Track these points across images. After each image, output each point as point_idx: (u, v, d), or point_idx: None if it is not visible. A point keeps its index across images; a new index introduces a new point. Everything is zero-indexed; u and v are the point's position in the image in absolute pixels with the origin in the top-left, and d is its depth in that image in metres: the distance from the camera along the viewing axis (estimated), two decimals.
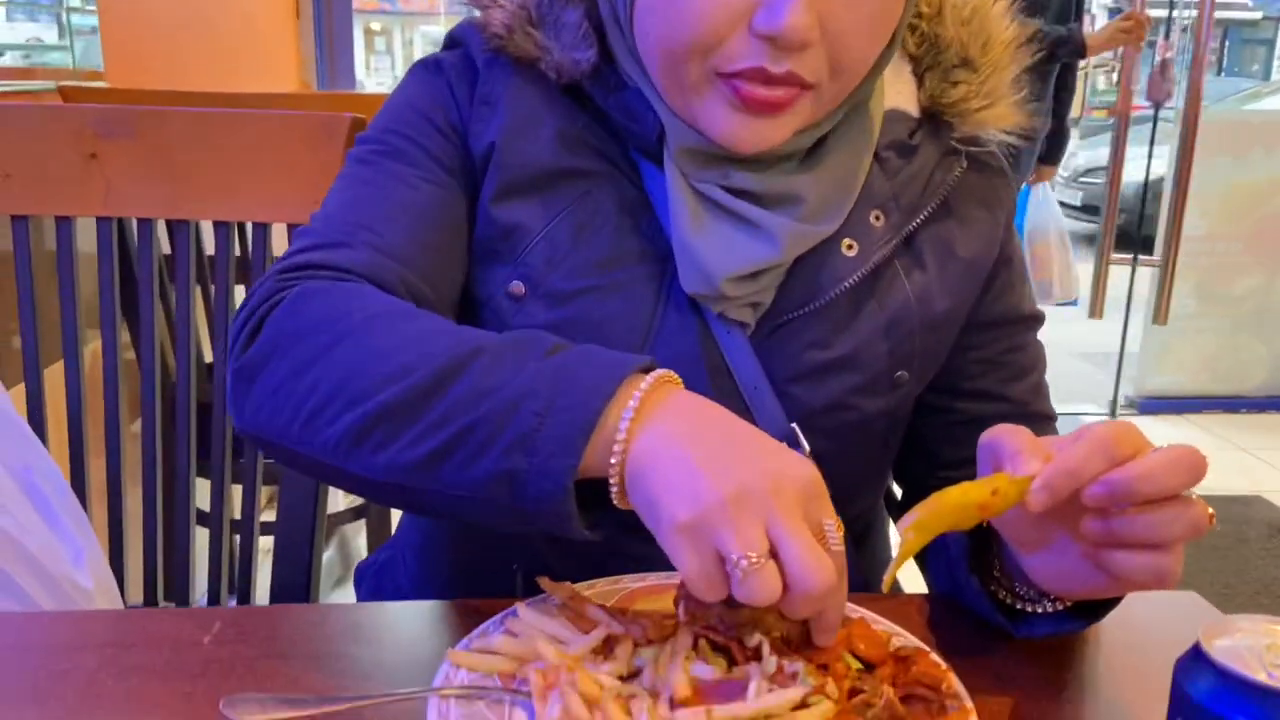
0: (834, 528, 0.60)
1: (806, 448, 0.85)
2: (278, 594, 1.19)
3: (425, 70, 0.88)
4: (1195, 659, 0.49)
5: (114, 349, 1.24)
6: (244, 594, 1.29)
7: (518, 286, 0.84)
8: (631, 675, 0.67)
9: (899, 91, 0.87)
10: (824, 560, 0.57)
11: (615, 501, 0.64)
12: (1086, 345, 4.88)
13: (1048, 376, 0.97)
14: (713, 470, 0.58)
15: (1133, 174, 7.33)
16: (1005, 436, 0.64)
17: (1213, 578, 2.82)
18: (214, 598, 1.30)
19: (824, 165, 0.83)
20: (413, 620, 0.80)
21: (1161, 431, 3.97)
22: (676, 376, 0.67)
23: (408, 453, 0.64)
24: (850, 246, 0.85)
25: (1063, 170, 8.21)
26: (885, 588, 0.65)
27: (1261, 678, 0.46)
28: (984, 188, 0.90)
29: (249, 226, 1.25)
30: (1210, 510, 0.62)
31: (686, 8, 0.73)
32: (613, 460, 0.61)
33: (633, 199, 0.85)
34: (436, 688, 0.66)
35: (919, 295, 0.87)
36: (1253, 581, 2.81)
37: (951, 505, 0.61)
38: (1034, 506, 0.60)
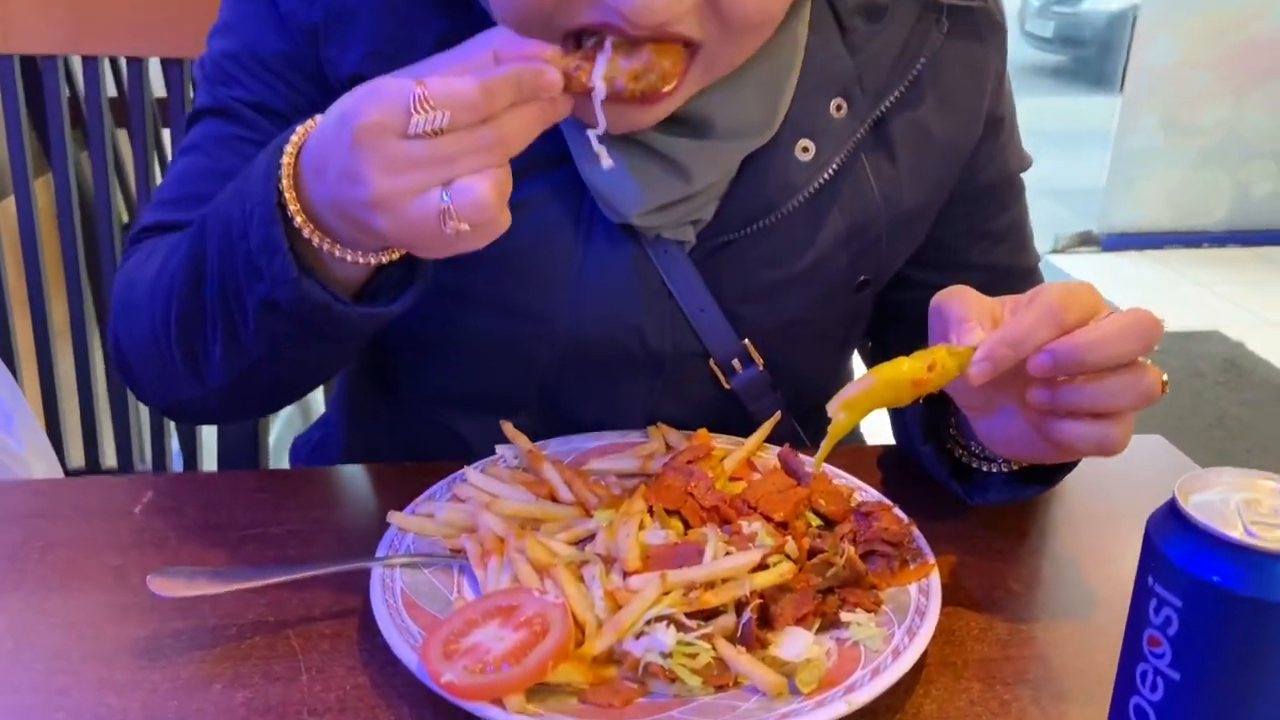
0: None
1: (759, 363, 0.79)
2: (226, 454, 1.16)
3: None
4: (1170, 515, 0.47)
5: (28, 201, 1.15)
6: (190, 455, 1.25)
7: None
8: (585, 539, 0.64)
9: None
10: (450, 146, 0.53)
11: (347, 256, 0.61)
12: (1054, 181, 4.85)
13: None
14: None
15: (1106, 2, 7.17)
16: (951, 303, 0.60)
17: (1168, 412, 2.88)
18: (159, 458, 1.27)
19: (741, 82, 0.69)
20: (357, 485, 0.77)
21: (1122, 268, 3.99)
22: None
23: (217, 343, 0.67)
24: (805, 149, 0.73)
25: None
26: (816, 467, 0.63)
27: (1239, 535, 0.44)
28: (967, 52, 0.77)
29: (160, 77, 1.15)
30: (1164, 377, 0.58)
31: None
32: (305, 233, 0.60)
33: None
34: (381, 558, 0.63)
35: (886, 194, 0.77)
36: (1206, 415, 2.87)
37: (884, 383, 0.57)
38: (975, 380, 0.56)
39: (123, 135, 1.65)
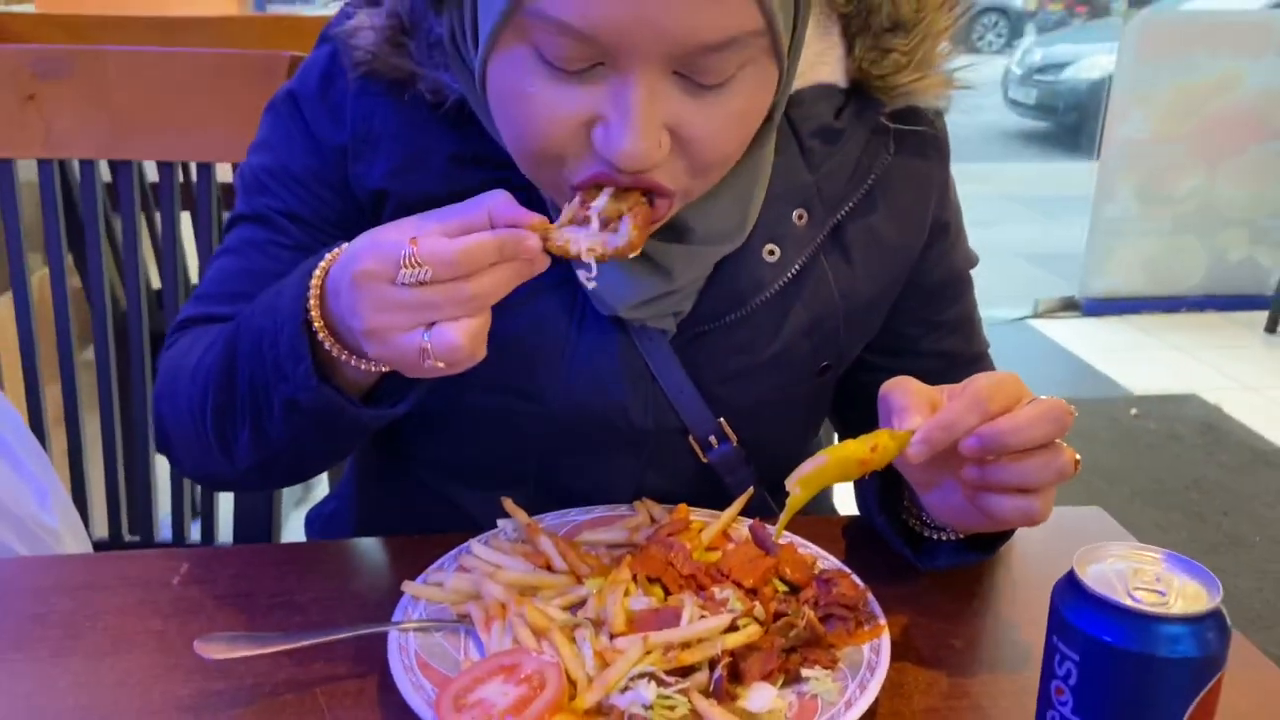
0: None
1: (734, 439, 0.88)
2: (240, 522, 1.24)
3: (279, 116, 0.86)
4: (1069, 583, 0.56)
5: (62, 278, 1.25)
6: (207, 523, 1.33)
7: None
8: (577, 604, 0.73)
9: (826, 61, 0.82)
10: (432, 296, 0.63)
11: (360, 365, 0.71)
12: (1036, 246, 4.98)
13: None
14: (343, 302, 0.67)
15: (1087, 72, 7.39)
16: (894, 393, 0.70)
17: (1146, 474, 2.96)
18: (178, 528, 1.34)
19: (716, 196, 0.78)
20: (370, 556, 0.85)
21: (1102, 332, 4.10)
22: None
23: (245, 430, 0.76)
24: (772, 252, 0.82)
25: (1016, 67, 8.20)
26: (776, 536, 0.72)
27: (1125, 601, 0.53)
28: (913, 168, 0.87)
29: (192, 167, 1.25)
30: (1077, 456, 0.68)
31: (526, 119, 0.69)
32: (326, 345, 0.69)
33: (538, 199, 0.79)
34: (396, 622, 0.71)
35: (844, 291, 0.86)
36: (1184, 477, 2.95)
37: (835, 462, 0.67)
38: (913, 459, 0.66)
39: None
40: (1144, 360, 3.81)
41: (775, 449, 0.91)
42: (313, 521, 1.08)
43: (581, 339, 0.83)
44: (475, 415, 0.87)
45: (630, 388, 0.84)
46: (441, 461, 0.93)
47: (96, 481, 1.33)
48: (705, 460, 0.88)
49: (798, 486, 0.67)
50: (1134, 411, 3.32)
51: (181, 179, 1.48)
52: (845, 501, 1.03)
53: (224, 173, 1.25)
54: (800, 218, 0.83)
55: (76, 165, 1.26)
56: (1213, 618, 0.52)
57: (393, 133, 0.81)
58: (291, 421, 0.73)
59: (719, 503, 0.85)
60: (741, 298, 0.83)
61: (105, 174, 1.33)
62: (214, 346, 0.78)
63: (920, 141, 0.87)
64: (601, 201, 0.68)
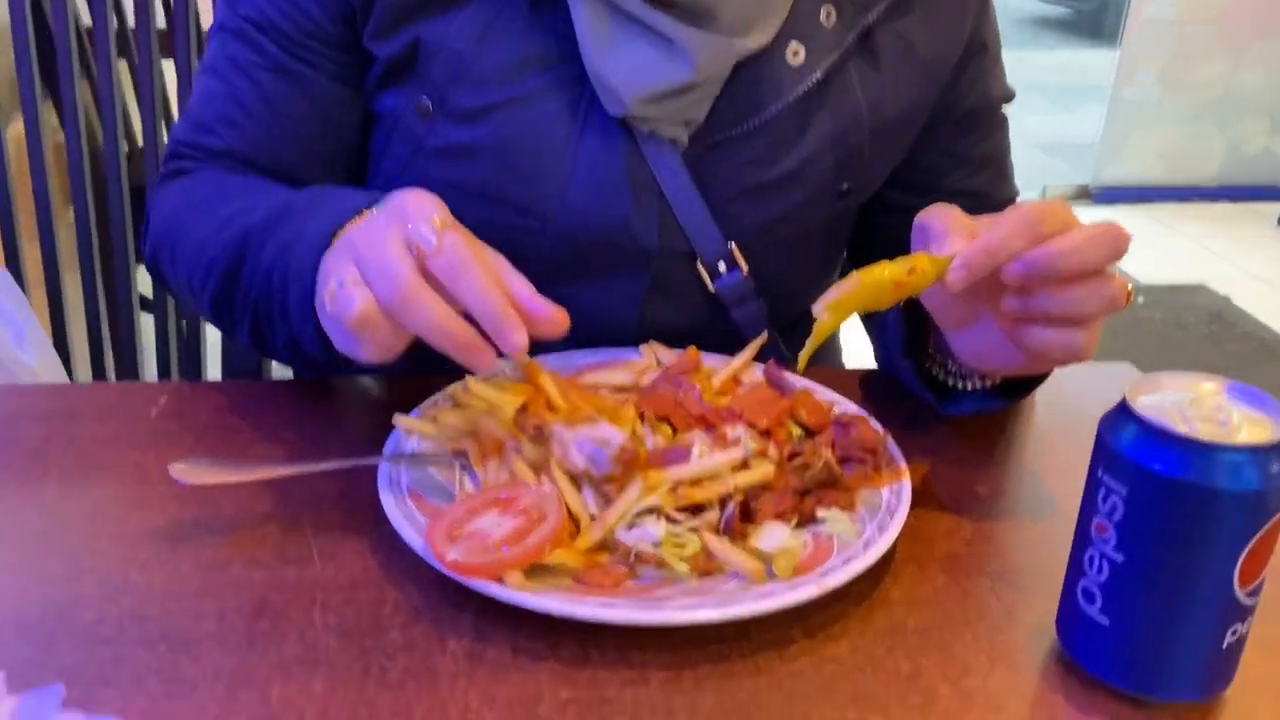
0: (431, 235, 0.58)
1: (744, 267, 0.83)
2: (228, 375, 1.20)
3: None
4: (1120, 413, 0.51)
5: (37, 130, 1.17)
6: (194, 375, 1.29)
7: (425, 103, 0.78)
8: None
9: None
10: (393, 265, 0.57)
11: None
12: (1050, 135, 4.86)
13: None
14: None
15: None
16: (934, 217, 0.63)
17: (1151, 363, 2.90)
18: (164, 378, 1.30)
19: None
20: (362, 393, 0.81)
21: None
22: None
23: (244, 331, 0.74)
24: (796, 53, 0.77)
25: None
26: (800, 366, 0.66)
27: (1183, 429, 0.48)
28: None
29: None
30: (1130, 286, 0.62)
31: None
32: None
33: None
34: (388, 455, 0.66)
35: (871, 103, 0.80)
36: (1190, 366, 2.86)
37: (867, 284, 0.60)
38: (953, 285, 0.59)
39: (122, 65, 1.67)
40: (1154, 250, 3.74)
41: (787, 282, 0.86)
42: None
43: (584, 143, 0.76)
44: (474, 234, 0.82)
45: (635, 202, 0.78)
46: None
47: (79, 336, 1.28)
48: (712, 289, 0.83)
49: (826, 312, 0.61)
50: (1141, 300, 3.27)
51: (163, 25, 1.39)
52: (855, 360, 0.99)
53: (205, 6, 1.17)
54: (828, 16, 0.77)
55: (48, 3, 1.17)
56: (1278, 449, 0.48)
57: None
58: (290, 349, 0.71)
59: (726, 340, 0.80)
60: (760, 103, 0.77)
61: (85, 17, 1.24)
62: (220, 235, 0.73)
63: None
64: None
